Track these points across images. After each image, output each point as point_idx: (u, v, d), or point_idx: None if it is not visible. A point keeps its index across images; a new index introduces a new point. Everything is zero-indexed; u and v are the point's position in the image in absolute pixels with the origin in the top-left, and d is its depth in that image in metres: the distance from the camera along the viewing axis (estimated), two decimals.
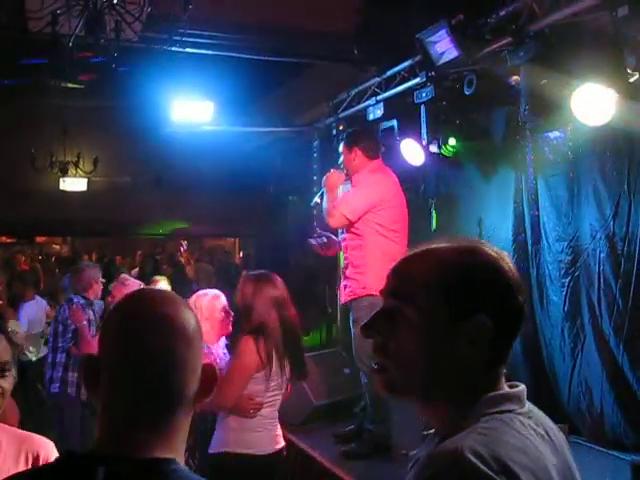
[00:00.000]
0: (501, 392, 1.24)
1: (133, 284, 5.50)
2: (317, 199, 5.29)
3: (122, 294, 5.19)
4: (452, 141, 5.64)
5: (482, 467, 1.06)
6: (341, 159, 5.23)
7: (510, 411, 1.21)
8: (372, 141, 5.26)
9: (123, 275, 6.27)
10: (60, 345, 5.39)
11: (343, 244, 5.20)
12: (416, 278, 1.26)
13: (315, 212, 6.01)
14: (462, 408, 1.22)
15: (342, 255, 5.30)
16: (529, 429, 1.20)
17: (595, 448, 4.71)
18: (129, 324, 1.24)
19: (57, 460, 1.25)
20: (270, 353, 3.36)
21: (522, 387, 1.29)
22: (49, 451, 2.08)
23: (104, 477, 1.14)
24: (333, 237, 5.36)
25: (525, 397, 1.27)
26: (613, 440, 4.71)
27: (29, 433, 2.13)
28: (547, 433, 1.25)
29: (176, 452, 1.22)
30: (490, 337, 1.20)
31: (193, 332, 1.25)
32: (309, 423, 5.59)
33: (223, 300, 3.98)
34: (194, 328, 1.26)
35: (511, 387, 1.27)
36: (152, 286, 5.97)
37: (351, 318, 5.03)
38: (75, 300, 5.41)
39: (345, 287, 5.08)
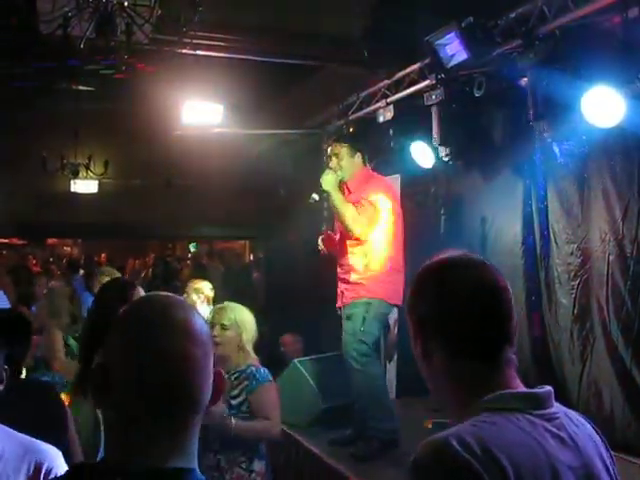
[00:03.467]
0: (511, 391, 1.27)
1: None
2: (315, 196, 5.17)
3: None
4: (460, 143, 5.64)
5: (462, 453, 1.11)
6: (335, 161, 5.10)
7: (519, 410, 1.23)
8: (368, 147, 5.31)
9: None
10: None
11: (339, 247, 5.14)
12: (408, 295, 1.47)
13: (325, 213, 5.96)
14: (466, 404, 1.26)
15: (339, 259, 5.18)
16: (540, 429, 1.22)
17: None
18: (143, 329, 1.19)
19: (68, 473, 1.22)
20: None
21: (544, 390, 1.31)
22: (54, 462, 1.94)
23: None
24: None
25: (547, 399, 1.30)
26: (623, 443, 4.68)
27: (36, 441, 1.97)
28: (572, 439, 1.26)
29: (193, 462, 1.18)
30: (422, 334, 1.36)
31: (207, 337, 1.22)
32: (316, 424, 5.59)
33: None
34: (207, 333, 1.23)
35: (532, 389, 1.32)
36: (193, 287, 6.07)
37: (345, 314, 4.99)
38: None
39: (345, 291, 5.04)
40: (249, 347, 3.80)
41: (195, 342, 1.18)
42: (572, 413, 1.35)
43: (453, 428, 1.19)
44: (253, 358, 3.80)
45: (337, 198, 4.92)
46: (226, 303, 3.98)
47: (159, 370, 1.15)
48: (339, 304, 5.15)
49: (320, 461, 4.98)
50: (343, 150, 5.11)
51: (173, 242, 18.98)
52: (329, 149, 5.29)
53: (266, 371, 3.76)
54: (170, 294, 1.30)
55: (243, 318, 3.82)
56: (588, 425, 1.35)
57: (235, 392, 3.69)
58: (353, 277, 4.98)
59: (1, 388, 2.07)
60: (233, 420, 3.53)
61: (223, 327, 3.75)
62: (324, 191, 4.97)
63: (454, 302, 1.32)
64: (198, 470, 1.18)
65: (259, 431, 3.66)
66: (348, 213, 4.87)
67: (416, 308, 1.39)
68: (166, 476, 1.13)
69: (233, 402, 3.67)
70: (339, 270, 5.15)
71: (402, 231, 5.09)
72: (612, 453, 1.39)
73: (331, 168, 5.07)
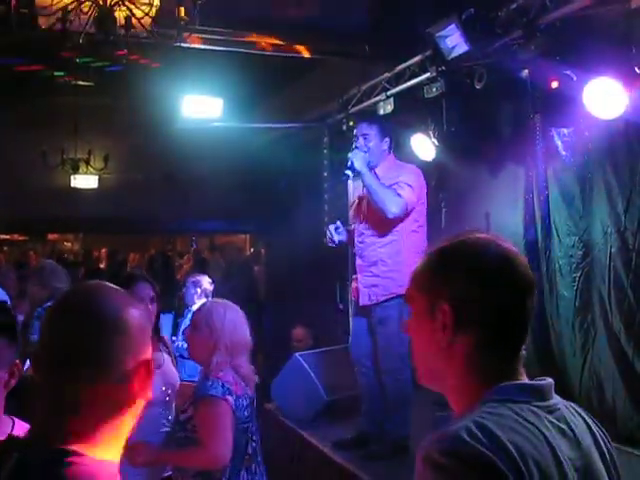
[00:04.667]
0: (516, 382, 1.27)
1: None
2: (349, 173, 4.78)
3: None
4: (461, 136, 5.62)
5: (477, 446, 1.10)
6: (361, 141, 4.85)
7: (523, 401, 1.23)
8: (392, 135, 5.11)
9: None
10: None
11: (361, 238, 4.93)
12: (411, 280, 1.41)
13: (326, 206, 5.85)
14: (472, 395, 1.25)
15: (359, 251, 4.95)
16: (544, 421, 1.22)
17: None
18: (50, 314, 1.30)
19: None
20: None
21: (547, 381, 1.31)
22: None
23: (14, 465, 1.15)
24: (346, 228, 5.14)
25: (549, 392, 1.30)
26: (625, 435, 4.68)
27: None
28: (572, 431, 1.27)
29: (93, 444, 1.21)
30: (453, 322, 1.28)
31: (112, 321, 1.24)
32: (320, 418, 5.60)
33: None
34: (116, 318, 1.25)
35: (535, 380, 1.30)
36: (191, 280, 6.26)
37: (378, 316, 4.73)
38: None
39: (376, 285, 4.76)
40: (225, 354, 3.14)
41: (89, 324, 1.24)
42: (570, 404, 1.35)
43: (462, 421, 1.17)
44: (224, 367, 3.13)
45: (371, 178, 4.70)
46: (208, 301, 3.54)
47: (54, 349, 1.25)
48: (364, 300, 4.85)
49: (324, 456, 4.98)
50: (373, 132, 4.90)
51: (174, 237, 18.96)
52: (355, 129, 5.06)
53: (217, 383, 3.04)
54: (101, 283, 1.36)
55: (222, 319, 3.19)
56: (586, 417, 1.35)
57: (185, 405, 3.19)
58: (382, 269, 4.74)
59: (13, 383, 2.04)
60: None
61: (194, 327, 3.26)
62: (354, 171, 4.73)
63: (498, 290, 1.28)
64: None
65: (187, 459, 3.08)
66: (385, 193, 4.65)
67: (451, 293, 1.29)
68: (51, 456, 1.16)
69: (181, 417, 3.18)
70: (360, 262, 4.91)
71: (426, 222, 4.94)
72: (612, 445, 1.38)
73: (357, 148, 4.83)
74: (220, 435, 2.97)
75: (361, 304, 4.90)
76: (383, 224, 4.76)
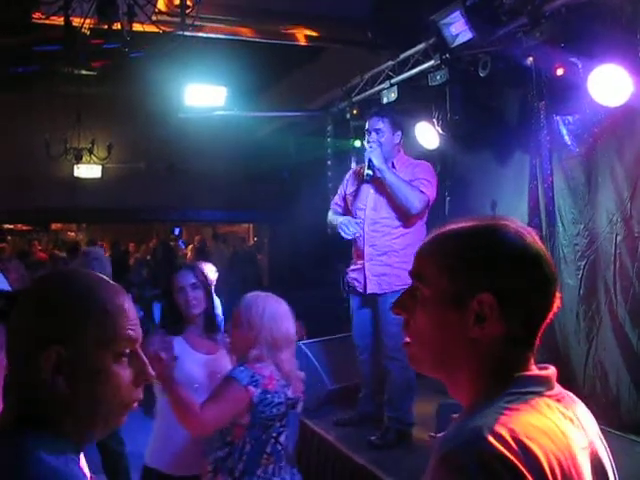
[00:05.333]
0: (528, 373, 1.23)
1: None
2: (370, 172, 4.72)
3: None
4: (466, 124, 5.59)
5: (501, 449, 1.06)
6: (374, 136, 4.81)
7: (537, 393, 1.21)
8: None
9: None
10: None
11: (375, 227, 4.85)
12: (427, 259, 1.30)
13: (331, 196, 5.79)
14: (485, 387, 1.21)
15: (370, 239, 4.87)
16: (556, 412, 1.20)
17: (611, 432, 4.68)
18: None
19: None
20: None
21: (552, 369, 1.28)
22: None
23: None
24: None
25: (555, 380, 1.27)
26: (629, 424, 4.68)
27: None
28: (578, 418, 1.24)
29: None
30: (495, 315, 1.20)
31: (53, 302, 1.25)
32: (324, 407, 5.61)
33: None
34: (57, 301, 1.25)
35: (541, 369, 1.27)
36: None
37: (389, 304, 4.71)
38: None
39: (385, 275, 4.76)
40: (266, 349, 3.01)
41: (34, 306, 1.26)
42: (567, 392, 1.32)
43: (480, 418, 1.14)
44: (263, 361, 3.00)
45: (392, 175, 4.68)
46: (249, 295, 3.18)
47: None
48: (373, 288, 4.81)
49: (329, 445, 4.99)
50: (385, 125, 4.85)
51: (178, 226, 19.00)
52: (367, 123, 4.97)
53: (248, 372, 2.93)
54: (74, 270, 1.46)
55: (261, 314, 3.04)
56: (582, 404, 1.33)
57: None
58: (393, 260, 4.74)
59: None
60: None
61: (234, 324, 3.11)
62: (372, 167, 4.69)
63: (538, 282, 1.23)
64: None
65: (180, 404, 2.92)
66: (409, 189, 4.65)
67: (493, 283, 1.21)
68: None
69: None
70: (369, 251, 4.84)
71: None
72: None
73: (370, 142, 4.79)
74: (218, 411, 2.91)
75: (369, 292, 4.86)
76: (403, 217, 4.75)
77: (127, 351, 1.28)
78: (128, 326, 1.28)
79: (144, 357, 1.32)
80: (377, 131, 4.85)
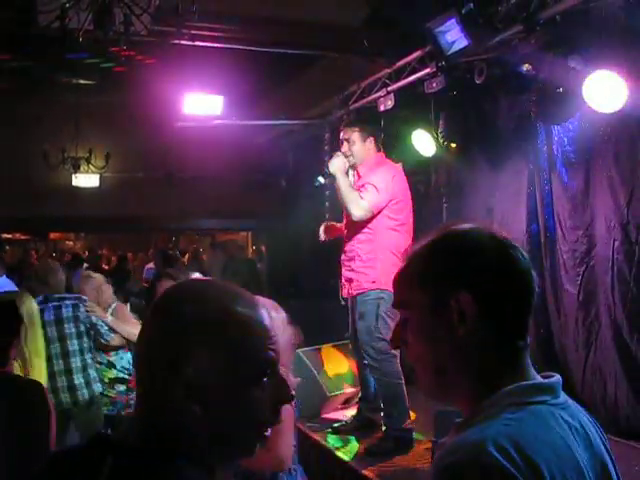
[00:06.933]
0: (532, 382, 1.22)
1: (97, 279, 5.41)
2: (321, 179, 5.11)
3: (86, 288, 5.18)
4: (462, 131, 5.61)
5: (503, 462, 1.05)
6: (346, 146, 4.99)
7: (541, 402, 1.19)
8: (380, 133, 5.19)
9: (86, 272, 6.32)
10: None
11: (344, 233, 5.04)
12: (402, 284, 1.32)
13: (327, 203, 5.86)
14: (486, 397, 1.20)
15: (343, 245, 5.06)
16: (561, 422, 1.19)
17: (609, 437, 4.68)
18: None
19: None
20: None
21: (556, 377, 1.26)
22: None
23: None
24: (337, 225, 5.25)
25: (560, 388, 1.26)
26: (628, 429, 4.68)
27: None
28: (582, 427, 1.23)
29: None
30: (475, 311, 1.20)
31: (186, 322, 1.12)
32: (323, 414, 5.60)
33: None
34: (189, 319, 1.12)
35: (545, 377, 1.26)
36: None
37: (358, 311, 4.86)
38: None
39: (351, 280, 4.92)
40: None
41: (168, 325, 1.15)
42: (572, 401, 1.31)
43: (483, 429, 1.13)
44: None
45: (342, 182, 4.81)
46: None
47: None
48: (344, 293, 5.06)
49: (328, 453, 4.98)
50: (354, 135, 4.99)
51: (176, 235, 18.99)
52: (341, 133, 5.14)
53: None
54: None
55: None
56: (586, 413, 1.32)
57: None
58: (357, 265, 4.87)
59: None
60: None
61: None
62: (330, 174, 4.87)
63: (514, 278, 1.24)
64: None
65: (254, 461, 2.96)
66: (350, 197, 4.76)
67: (469, 280, 1.22)
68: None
69: None
70: (343, 257, 5.02)
71: (412, 219, 4.96)
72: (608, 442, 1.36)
73: (342, 153, 4.95)
74: (283, 438, 2.83)
75: (344, 296, 5.12)
76: (358, 222, 4.86)
77: (268, 371, 1.15)
78: (269, 345, 1.16)
79: (284, 376, 1.20)
80: (348, 140, 5.01)
